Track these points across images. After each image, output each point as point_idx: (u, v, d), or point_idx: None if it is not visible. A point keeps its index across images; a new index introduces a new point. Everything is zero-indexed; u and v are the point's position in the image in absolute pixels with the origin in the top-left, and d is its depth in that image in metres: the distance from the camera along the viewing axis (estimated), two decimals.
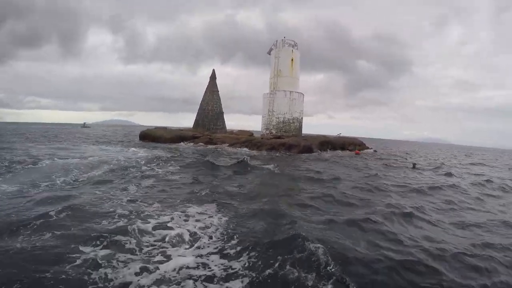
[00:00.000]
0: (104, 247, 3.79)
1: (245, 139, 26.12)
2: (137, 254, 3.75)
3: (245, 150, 23.26)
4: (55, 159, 11.31)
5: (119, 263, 3.48)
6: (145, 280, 3.18)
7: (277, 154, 20.84)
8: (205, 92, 37.42)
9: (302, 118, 29.82)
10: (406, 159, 17.01)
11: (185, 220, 5.14)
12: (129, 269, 3.36)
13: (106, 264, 3.40)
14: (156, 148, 20.45)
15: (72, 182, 7.93)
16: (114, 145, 21.51)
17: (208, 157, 14.80)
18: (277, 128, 28.14)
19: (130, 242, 4.00)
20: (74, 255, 3.50)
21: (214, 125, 36.61)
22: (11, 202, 5.52)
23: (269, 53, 30.82)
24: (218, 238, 4.48)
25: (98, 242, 3.88)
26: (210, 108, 36.60)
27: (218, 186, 8.31)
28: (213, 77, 37.69)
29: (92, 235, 4.06)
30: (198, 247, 4.10)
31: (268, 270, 3.43)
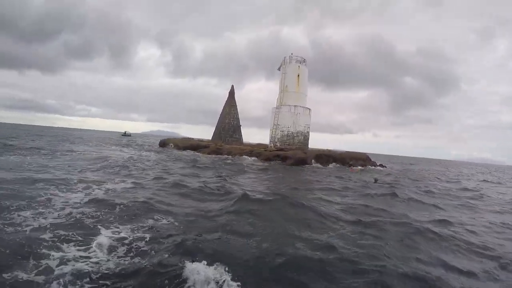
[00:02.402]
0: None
1: (248, 150, 27.83)
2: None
3: (245, 157, 25.06)
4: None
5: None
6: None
7: (270, 164, 21.96)
8: (224, 106, 40.54)
9: (308, 132, 30.37)
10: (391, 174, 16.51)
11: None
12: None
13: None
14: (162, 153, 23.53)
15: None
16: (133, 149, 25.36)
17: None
18: (281, 141, 29.19)
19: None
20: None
21: (230, 137, 39.18)
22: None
23: (279, 69, 32.38)
24: None
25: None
26: (227, 121, 39.42)
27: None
28: (231, 92, 40.73)
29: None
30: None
31: None
